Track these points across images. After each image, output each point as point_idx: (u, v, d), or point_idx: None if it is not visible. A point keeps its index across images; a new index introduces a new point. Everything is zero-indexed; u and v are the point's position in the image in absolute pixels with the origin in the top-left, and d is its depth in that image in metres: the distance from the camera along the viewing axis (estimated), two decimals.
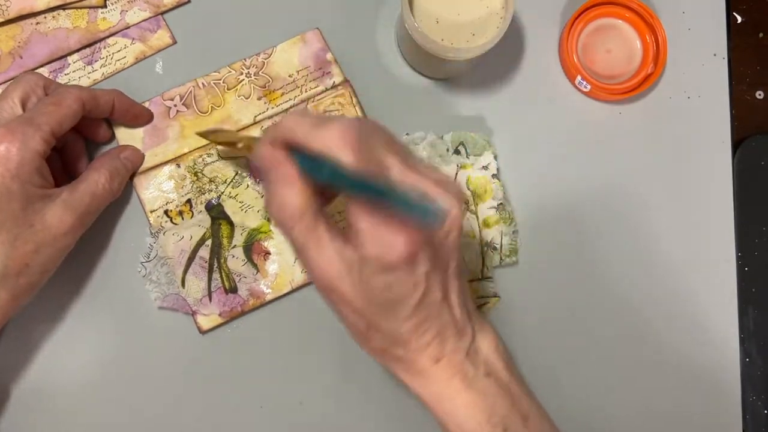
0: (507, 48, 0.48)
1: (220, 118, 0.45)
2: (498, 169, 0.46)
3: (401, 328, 0.32)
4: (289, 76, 0.46)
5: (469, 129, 0.47)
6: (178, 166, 0.45)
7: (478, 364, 0.34)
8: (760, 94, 0.51)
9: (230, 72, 0.46)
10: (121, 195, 0.44)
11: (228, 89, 0.46)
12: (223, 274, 0.44)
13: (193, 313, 0.44)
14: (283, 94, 0.46)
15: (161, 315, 0.45)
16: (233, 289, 0.44)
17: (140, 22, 0.46)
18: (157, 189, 0.45)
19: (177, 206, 0.45)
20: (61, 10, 0.45)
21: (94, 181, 0.40)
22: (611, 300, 0.47)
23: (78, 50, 0.46)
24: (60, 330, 0.44)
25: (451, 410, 0.33)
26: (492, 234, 0.46)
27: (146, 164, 0.45)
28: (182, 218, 0.45)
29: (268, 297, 0.44)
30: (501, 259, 0.46)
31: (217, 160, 0.45)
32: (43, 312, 0.44)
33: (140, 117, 0.45)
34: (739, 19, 0.52)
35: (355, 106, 0.46)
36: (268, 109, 0.46)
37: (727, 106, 0.50)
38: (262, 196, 0.45)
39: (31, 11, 0.45)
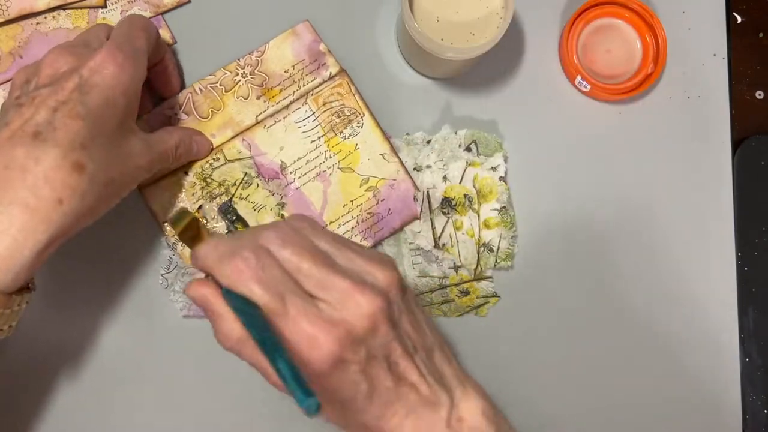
0: (507, 48, 0.48)
1: (222, 121, 0.45)
2: (506, 172, 0.46)
3: (366, 419, 0.32)
4: (285, 71, 0.46)
5: (468, 128, 0.47)
6: (186, 173, 0.45)
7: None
8: (760, 94, 0.51)
9: (226, 74, 0.46)
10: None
11: (226, 92, 0.45)
12: None
13: None
14: (281, 90, 0.46)
15: (186, 324, 0.45)
16: None
17: None
18: (168, 199, 0.45)
19: (191, 211, 0.44)
20: (62, 10, 0.45)
21: (165, 139, 0.41)
22: (611, 300, 0.47)
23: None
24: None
25: None
26: (491, 235, 0.46)
27: (153, 175, 0.43)
28: None
29: None
30: (496, 261, 0.46)
31: (224, 164, 0.45)
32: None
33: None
34: (739, 19, 0.52)
35: (354, 95, 0.46)
36: (268, 107, 0.45)
37: (727, 106, 0.50)
38: (273, 194, 0.45)
39: (32, 11, 0.45)
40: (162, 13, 0.47)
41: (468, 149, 0.46)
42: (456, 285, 0.46)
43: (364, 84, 0.47)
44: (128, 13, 0.46)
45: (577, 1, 0.49)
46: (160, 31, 0.46)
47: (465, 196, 0.46)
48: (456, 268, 0.46)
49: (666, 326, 0.47)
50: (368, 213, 0.45)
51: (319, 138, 0.45)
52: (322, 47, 0.46)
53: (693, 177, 0.49)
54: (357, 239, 0.45)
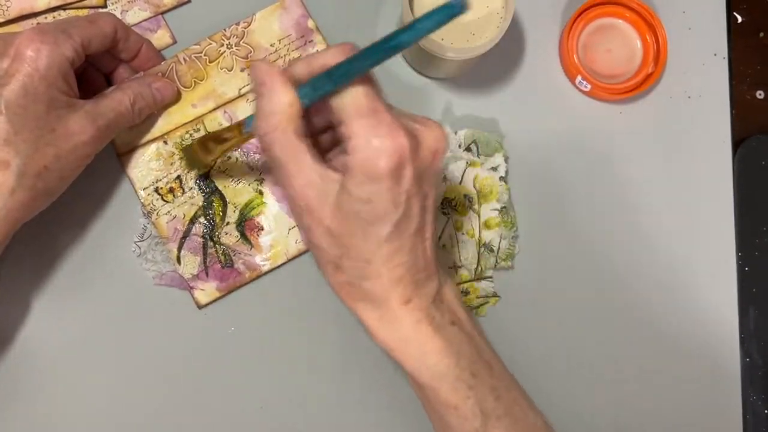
0: (507, 48, 0.48)
1: (205, 92, 0.45)
2: (506, 172, 0.46)
3: (375, 254, 0.31)
4: (271, 45, 0.45)
5: (468, 128, 0.47)
6: (165, 143, 0.44)
7: (443, 311, 0.34)
8: (760, 94, 0.51)
9: (211, 44, 0.45)
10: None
11: (210, 62, 0.45)
12: (218, 250, 0.44)
13: (191, 289, 0.44)
14: None
15: (158, 292, 0.45)
16: (229, 264, 0.44)
17: (140, 21, 0.46)
18: (146, 167, 0.44)
19: (167, 183, 0.44)
20: (62, 10, 0.45)
21: (118, 99, 0.40)
22: (611, 301, 0.47)
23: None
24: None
25: (419, 355, 0.33)
26: (491, 236, 0.46)
27: (132, 143, 0.44)
28: (173, 195, 0.44)
29: (265, 269, 0.45)
30: (497, 261, 0.46)
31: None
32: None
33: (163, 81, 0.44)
34: (739, 19, 0.52)
35: None
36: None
37: (727, 106, 0.50)
38: (252, 169, 0.45)
39: (32, 11, 0.45)
40: (162, 13, 0.46)
41: (468, 149, 0.46)
42: (456, 285, 0.46)
43: None
44: (128, 13, 0.46)
45: (577, 1, 0.49)
46: (160, 31, 0.46)
47: (465, 196, 0.46)
48: (456, 268, 0.46)
49: (666, 326, 0.47)
50: None
51: None
52: (310, 23, 0.46)
53: (693, 177, 0.49)
54: None
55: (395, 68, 0.48)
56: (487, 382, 0.34)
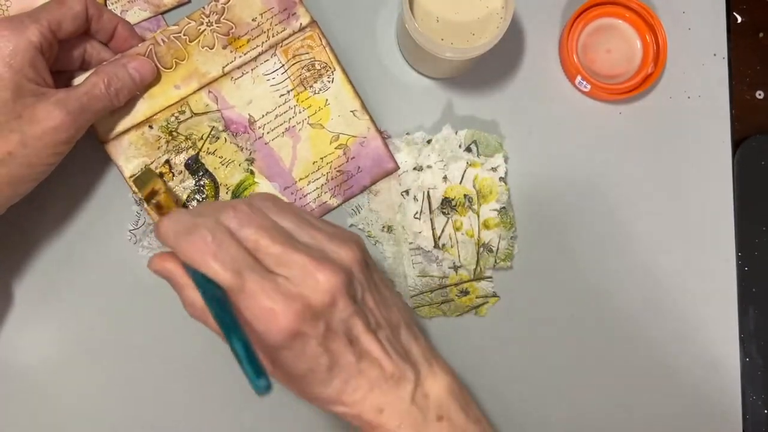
0: (507, 48, 0.48)
1: (187, 72, 0.43)
2: (506, 173, 0.46)
3: (327, 393, 0.32)
4: (253, 20, 0.44)
5: (469, 128, 0.47)
6: (151, 127, 0.43)
7: (427, 409, 0.34)
8: (760, 94, 0.51)
9: (190, 23, 0.43)
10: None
11: (190, 41, 0.43)
12: None
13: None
14: (249, 40, 0.44)
15: (156, 278, 0.45)
16: None
17: (140, 21, 0.46)
18: (133, 153, 0.43)
19: (156, 168, 0.43)
20: None
21: (92, 82, 0.39)
22: (611, 300, 0.47)
23: None
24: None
25: None
26: (490, 236, 0.46)
27: (116, 129, 0.43)
28: (164, 180, 0.44)
29: None
30: (495, 262, 0.46)
31: (190, 117, 0.44)
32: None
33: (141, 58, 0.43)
34: (739, 19, 0.52)
35: (325, 48, 0.44)
36: (235, 58, 0.44)
37: (727, 106, 0.50)
38: (241, 150, 0.44)
39: None
40: (162, 13, 0.46)
41: (468, 149, 0.46)
42: (455, 285, 0.46)
43: (365, 84, 0.47)
44: (128, 13, 0.46)
45: (577, 1, 0.49)
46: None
47: (465, 196, 0.46)
48: (456, 268, 0.46)
49: (666, 326, 0.47)
50: (338, 171, 0.45)
51: (288, 92, 0.44)
52: None
53: (693, 177, 0.49)
54: (326, 197, 0.45)
55: (395, 68, 0.48)
56: None
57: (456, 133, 0.47)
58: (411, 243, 0.45)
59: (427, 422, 0.33)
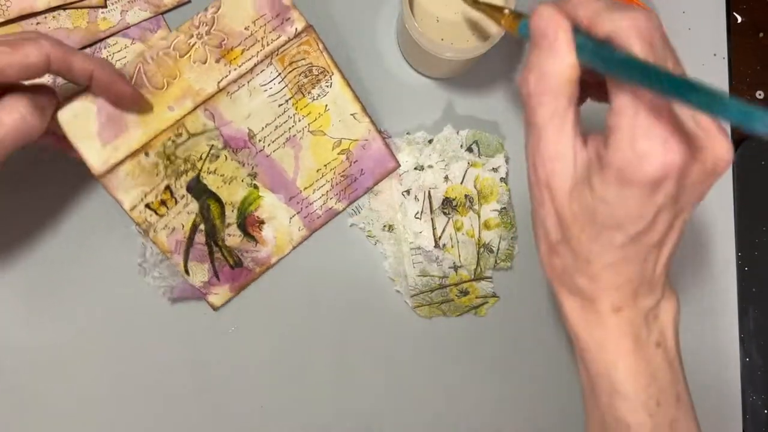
0: (507, 48, 0.48)
1: (180, 91, 0.41)
2: (507, 173, 0.46)
3: (600, 256, 0.29)
4: (246, 29, 0.41)
5: (470, 128, 0.47)
6: (147, 154, 0.40)
7: (652, 330, 0.31)
8: (760, 94, 0.51)
9: (178, 36, 0.41)
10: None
11: (180, 57, 0.41)
12: (225, 252, 0.44)
13: (204, 295, 0.44)
14: (243, 51, 0.41)
15: (172, 306, 0.45)
16: (238, 264, 0.44)
17: (140, 22, 0.46)
18: (130, 184, 0.40)
19: (157, 196, 0.41)
20: (62, 10, 0.45)
21: (16, 115, 0.34)
22: None
23: (78, 50, 0.46)
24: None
25: (609, 366, 0.31)
26: (491, 236, 0.46)
27: (110, 161, 0.39)
28: (167, 207, 0.42)
29: (273, 261, 0.45)
30: (496, 262, 0.46)
31: (188, 139, 0.41)
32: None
33: (123, 97, 0.38)
34: (739, 19, 0.52)
35: (322, 53, 0.43)
36: (230, 71, 0.41)
37: None
38: (243, 165, 0.44)
39: (32, 11, 0.45)
40: (162, 13, 0.46)
41: (469, 150, 0.46)
42: (455, 285, 0.46)
43: (365, 84, 0.47)
44: (128, 13, 0.46)
45: None
46: (160, 31, 0.46)
47: (466, 196, 0.46)
48: (456, 268, 0.46)
49: None
50: (342, 176, 0.45)
51: (286, 101, 0.43)
52: (286, 0, 0.42)
53: None
54: (332, 202, 0.45)
55: (395, 68, 0.48)
56: (669, 414, 0.32)
57: (457, 133, 0.47)
58: (411, 243, 0.45)
59: (648, 343, 0.31)
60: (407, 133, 0.47)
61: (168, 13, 0.47)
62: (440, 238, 0.45)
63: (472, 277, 0.46)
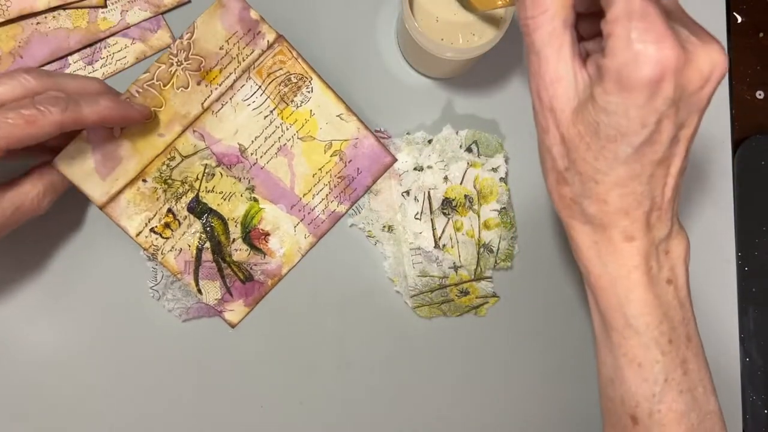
0: (507, 48, 0.48)
1: (167, 118, 0.42)
2: (506, 173, 0.46)
3: (607, 175, 0.29)
4: (220, 48, 0.43)
5: (469, 128, 0.47)
6: (144, 180, 0.42)
7: (662, 266, 0.31)
8: (760, 94, 0.51)
9: (160, 67, 0.42)
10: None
11: (164, 86, 0.42)
12: (234, 268, 0.44)
13: (219, 313, 0.44)
14: (221, 70, 0.43)
15: (189, 326, 0.45)
16: (248, 278, 0.44)
17: (140, 22, 0.46)
18: (133, 211, 0.42)
19: (161, 220, 0.43)
20: (62, 10, 0.45)
21: (25, 192, 0.37)
22: None
23: (78, 50, 0.46)
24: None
25: (621, 299, 0.31)
26: (491, 236, 0.46)
27: (110, 192, 0.42)
28: (171, 229, 0.43)
29: (284, 271, 0.45)
30: (496, 262, 0.46)
31: (181, 161, 0.43)
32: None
33: (133, 121, 0.41)
34: (739, 19, 0.52)
35: (297, 60, 0.44)
36: (212, 91, 0.43)
37: (727, 106, 0.50)
38: (239, 180, 0.44)
39: (32, 11, 0.45)
40: (162, 13, 0.46)
41: (469, 150, 0.46)
42: (456, 285, 0.46)
43: (364, 83, 0.47)
44: (128, 13, 0.46)
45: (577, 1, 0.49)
46: (160, 31, 0.46)
47: (465, 196, 0.46)
48: (456, 268, 0.46)
49: None
50: (338, 177, 0.45)
51: (271, 112, 0.44)
52: (253, 14, 0.43)
53: (693, 177, 0.49)
54: (333, 205, 0.45)
55: (395, 68, 0.48)
56: (681, 353, 0.32)
57: (457, 133, 0.47)
58: (411, 243, 0.45)
59: (659, 279, 0.31)
60: (407, 133, 0.47)
61: (168, 13, 0.47)
62: (440, 238, 0.45)
63: (472, 277, 0.46)
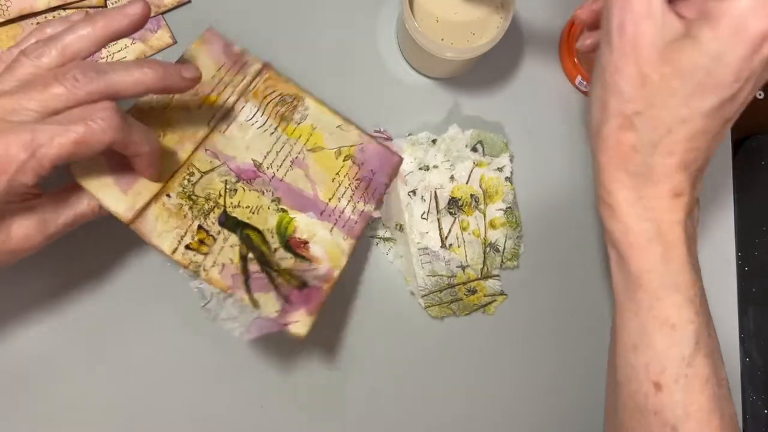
0: (507, 48, 0.48)
1: (177, 136, 0.41)
2: (512, 173, 0.46)
3: (683, 126, 0.28)
4: (212, 77, 0.43)
5: (473, 128, 0.47)
6: (169, 196, 0.40)
7: (690, 226, 0.31)
8: (760, 94, 0.51)
9: (154, 97, 0.41)
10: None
11: (164, 108, 0.41)
12: (286, 276, 0.42)
13: (284, 326, 0.40)
14: (218, 95, 0.43)
15: (252, 346, 0.45)
16: (304, 284, 0.42)
17: None
18: (163, 228, 0.40)
19: (193, 237, 0.40)
20: (62, 10, 0.45)
21: (83, 200, 0.37)
22: (612, 300, 0.47)
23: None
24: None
25: (659, 257, 0.30)
26: (497, 235, 0.46)
27: (136, 206, 0.39)
28: (207, 245, 0.40)
29: (336, 274, 0.43)
30: (502, 261, 0.46)
31: (201, 177, 0.41)
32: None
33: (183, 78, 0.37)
34: None
35: (286, 82, 0.44)
36: (215, 113, 0.42)
37: None
38: (263, 193, 0.43)
39: (32, 11, 0.45)
40: (162, 13, 0.46)
41: (474, 149, 0.46)
42: (464, 283, 0.46)
43: (365, 83, 0.47)
44: None
45: (577, 2, 0.49)
46: (160, 31, 0.46)
47: (472, 196, 0.46)
48: (463, 267, 0.46)
49: None
50: (357, 179, 0.45)
51: (275, 129, 0.44)
52: (236, 49, 0.43)
53: None
54: (361, 206, 0.44)
55: (395, 68, 0.48)
56: (708, 315, 0.32)
57: (463, 132, 0.47)
58: (418, 243, 0.45)
59: (693, 238, 0.31)
60: (409, 134, 0.47)
61: (168, 13, 0.47)
62: (447, 238, 0.45)
63: (479, 276, 0.46)
